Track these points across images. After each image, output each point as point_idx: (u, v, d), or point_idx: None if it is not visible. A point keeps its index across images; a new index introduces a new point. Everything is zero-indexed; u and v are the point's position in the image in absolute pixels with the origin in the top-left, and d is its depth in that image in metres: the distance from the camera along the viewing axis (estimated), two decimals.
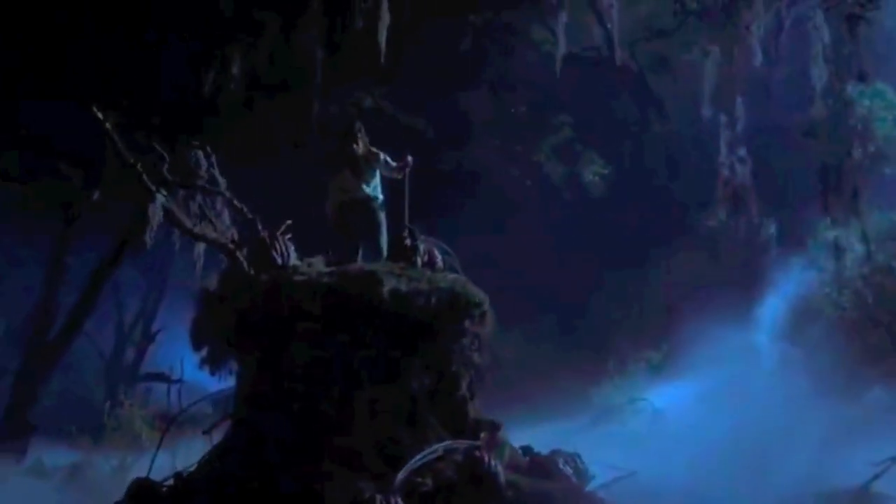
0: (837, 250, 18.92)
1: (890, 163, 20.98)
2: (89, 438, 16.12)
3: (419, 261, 9.38)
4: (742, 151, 15.80)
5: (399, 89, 21.01)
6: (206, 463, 9.35)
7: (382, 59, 14.40)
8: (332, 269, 8.80)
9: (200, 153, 10.55)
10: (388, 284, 8.34)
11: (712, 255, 21.67)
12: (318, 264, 9.05)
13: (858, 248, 19.69)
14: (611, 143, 22.48)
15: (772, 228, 21.45)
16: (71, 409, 23.86)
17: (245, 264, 9.34)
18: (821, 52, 13.46)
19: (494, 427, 9.16)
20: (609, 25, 17.33)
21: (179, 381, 29.72)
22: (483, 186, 22.35)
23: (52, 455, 16.24)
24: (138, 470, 14.26)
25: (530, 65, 21.24)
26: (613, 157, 22.20)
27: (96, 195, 18.22)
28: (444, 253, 9.91)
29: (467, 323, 9.03)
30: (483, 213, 23.39)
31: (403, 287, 8.40)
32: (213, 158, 10.42)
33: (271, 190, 19.81)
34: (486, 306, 9.23)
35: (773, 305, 20.52)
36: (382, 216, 9.68)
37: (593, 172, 21.07)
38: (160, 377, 31.37)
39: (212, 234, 9.79)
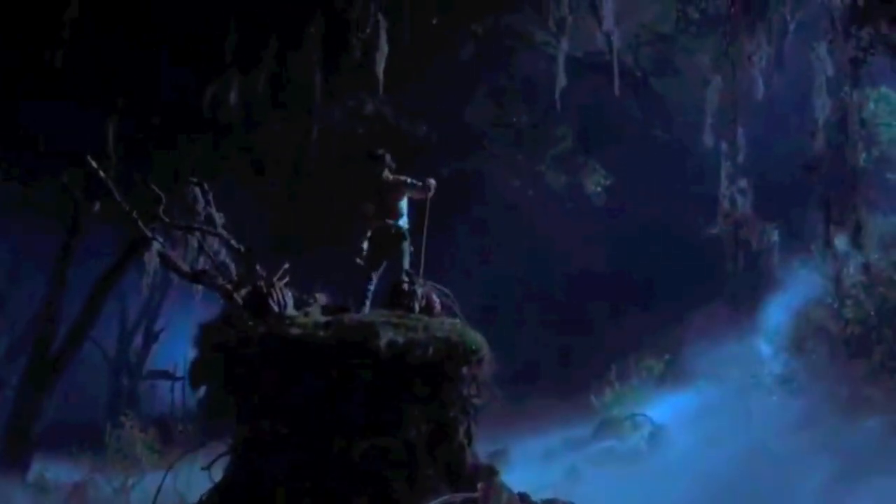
0: (838, 262, 18.71)
1: (893, 167, 20.83)
2: (91, 455, 16.17)
3: (417, 306, 9.37)
4: (743, 182, 15.68)
5: (400, 95, 20.91)
6: (206, 501, 9.42)
7: (381, 91, 14.30)
8: (329, 318, 8.77)
9: (197, 190, 10.51)
10: (385, 337, 8.30)
11: (716, 262, 21.59)
12: (316, 312, 9.03)
13: (861, 257, 19.55)
14: (613, 149, 22.34)
15: (775, 235, 21.35)
16: (74, 415, 24.03)
17: (242, 304, 9.33)
18: (823, 84, 13.31)
19: (492, 473, 9.18)
20: (611, 35, 17.15)
21: (183, 378, 30.10)
22: (485, 193, 22.32)
23: (55, 470, 16.34)
24: (140, 491, 14.40)
25: (532, 72, 21.12)
26: (616, 164, 22.06)
27: (97, 206, 18.19)
28: (443, 295, 9.91)
29: (465, 369, 9.02)
30: (485, 219, 23.41)
31: (400, 339, 8.37)
32: (211, 196, 10.37)
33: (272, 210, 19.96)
34: (485, 351, 9.21)
35: (777, 314, 20.49)
36: (407, 244, 9.73)
37: (595, 183, 20.94)
38: (164, 375, 31.76)
39: (211, 274, 9.76)
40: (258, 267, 9.86)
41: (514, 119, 20.97)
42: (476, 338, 9.12)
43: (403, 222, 9.91)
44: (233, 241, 10.16)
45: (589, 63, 21.48)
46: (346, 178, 20.07)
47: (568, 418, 20.14)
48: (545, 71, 20.92)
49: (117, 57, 15.62)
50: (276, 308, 8.84)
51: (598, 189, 21.18)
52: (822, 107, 13.26)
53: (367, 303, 9.81)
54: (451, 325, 9.05)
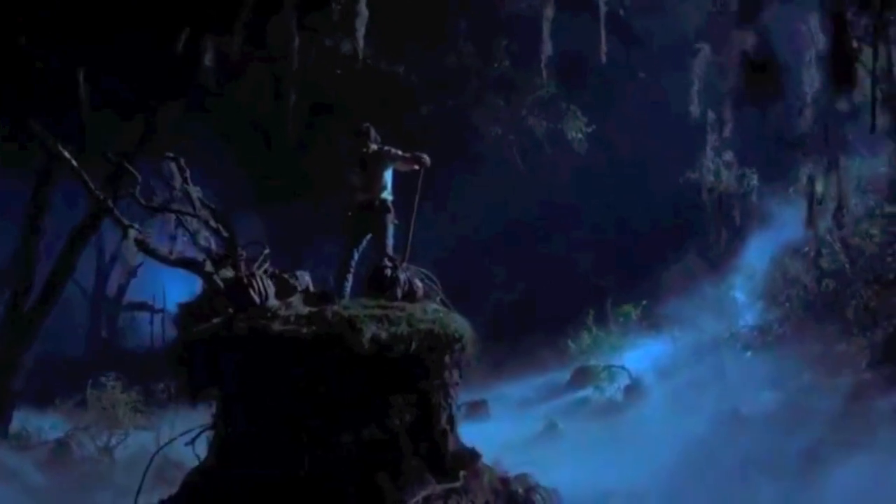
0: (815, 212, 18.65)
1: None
2: (73, 407, 16.26)
3: (399, 292, 9.34)
4: (728, 155, 15.53)
5: (379, 35, 20.37)
6: (189, 481, 9.52)
7: (360, 58, 13.88)
8: (311, 310, 8.71)
9: (174, 166, 10.27)
10: (368, 332, 8.28)
11: (695, 207, 21.60)
12: (297, 303, 8.96)
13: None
14: (595, 92, 21.99)
15: (754, 179, 21.31)
16: (53, 351, 24.08)
17: (223, 292, 9.24)
18: (813, 58, 13.07)
19: (474, 456, 9.33)
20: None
21: (162, 310, 30.22)
22: (464, 137, 22.00)
23: (36, 422, 16.40)
24: (122, 450, 14.55)
25: (513, 13, 20.57)
26: (598, 108, 21.76)
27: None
28: (426, 278, 9.89)
29: (447, 358, 9.08)
30: (464, 162, 23.16)
31: (383, 334, 8.36)
32: (188, 173, 10.13)
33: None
34: (467, 336, 9.24)
35: (753, 260, 20.64)
36: (391, 217, 9.67)
37: (576, 129, 20.69)
38: (143, 307, 31.84)
39: (191, 259, 9.64)
40: (240, 250, 9.78)
41: (496, 64, 20.52)
42: (458, 325, 9.14)
43: (387, 195, 9.86)
44: (211, 222, 10.01)
45: (572, 1, 20.95)
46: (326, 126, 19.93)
47: (545, 364, 20.46)
48: (527, 10, 20.42)
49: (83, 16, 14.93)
50: (257, 299, 8.76)
51: (580, 136, 20.95)
52: (811, 82, 13.06)
53: (349, 278, 9.80)
54: (434, 315, 9.03)
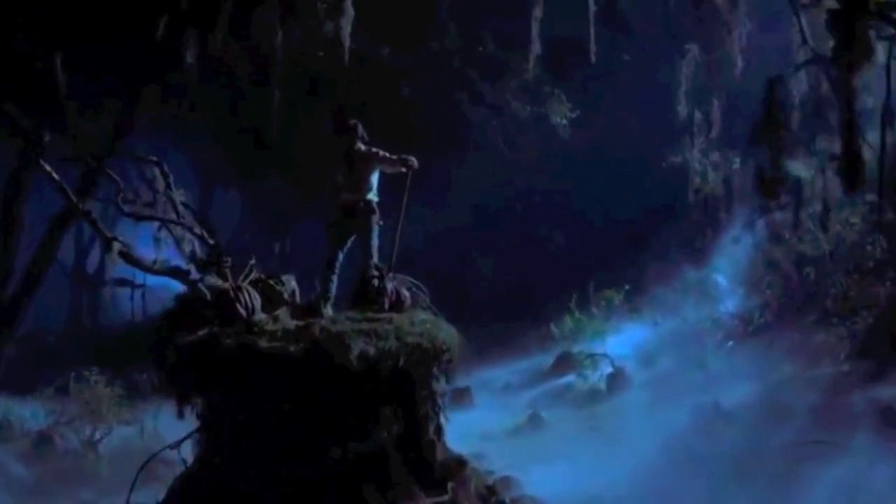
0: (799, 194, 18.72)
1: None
2: (53, 394, 16.18)
3: (386, 302, 9.31)
4: (715, 156, 15.50)
5: (363, 18, 20.09)
6: (175, 486, 9.52)
7: (346, 56, 13.62)
8: (298, 324, 8.67)
9: (157, 170, 10.17)
10: (356, 349, 8.26)
11: (678, 191, 21.66)
12: (284, 317, 8.89)
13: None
14: (579, 74, 21.84)
15: (736, 163, 21.32)
16: (35, 330, 23.92)
17: (209, 303, 9.17)
18: (803, 59, 13.04)
19: (461, 465, 9.40)
20: None
21: (143, 285, 30.04)
22: (449, 120, 21.82)
23: (19, 412, 16.28)
24: (107, 444, 14.52)
25: None
26: (581, 91, 21.65)
27: (48, 137, 17.45)
28: (414, 286, 9.84)
29: (435, 369, 9.09)
30: (448, 146, 23.02)
31: (371, 350, 8.33)
32: (171, 179, 10.02)
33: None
34: (455, 346, 9.24)
35: (735, 245, 20.76)
36: (376, 218, 9.53)
37: (560, 114, 20.58)
38: (124, 283, 31.60)
39: (177, 269, 9.55)
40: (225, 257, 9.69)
41: (481, 48, 20.29)
42: (446, 336, 9.10)
43: (373, 196, 9.72)
44: (196, 229, 9.92)
45: None
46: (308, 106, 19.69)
47: (527, 348, 20.57)
48: None
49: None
50: (244, 313, 8.70)
51: (564, 121, 20.83)
52: (798, 86, 13.03)
53: (334, 279, 9.72)
54: (422, 326, 8.97)
